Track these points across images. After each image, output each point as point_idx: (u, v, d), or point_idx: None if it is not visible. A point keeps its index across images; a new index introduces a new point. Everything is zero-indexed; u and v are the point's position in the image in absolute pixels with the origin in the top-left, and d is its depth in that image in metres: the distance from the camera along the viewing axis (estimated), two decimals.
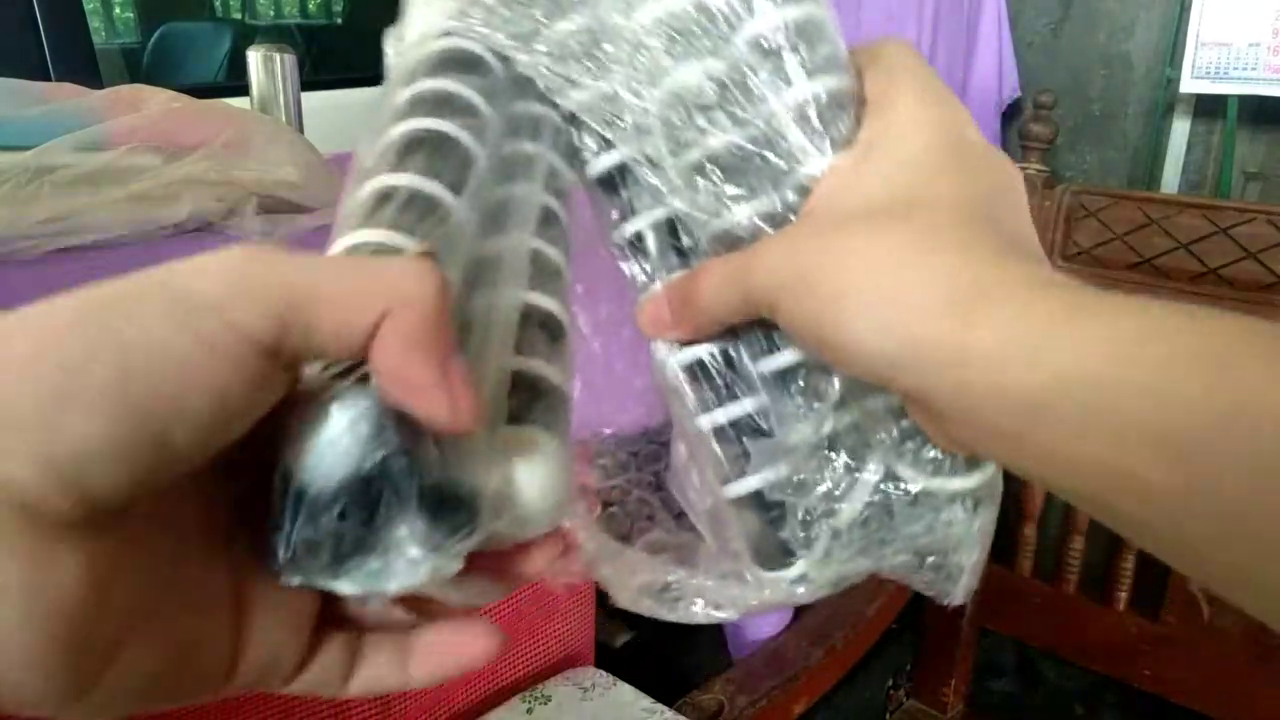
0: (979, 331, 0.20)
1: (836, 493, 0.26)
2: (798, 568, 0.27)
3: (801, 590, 0.27)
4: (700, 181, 0.26)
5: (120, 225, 0.67)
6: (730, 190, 0.26)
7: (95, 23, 2.19)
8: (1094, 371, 0.19)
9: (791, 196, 0.26)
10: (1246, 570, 0.18)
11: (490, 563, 0.22)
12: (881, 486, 0.26)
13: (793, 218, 0.26)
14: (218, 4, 2.48)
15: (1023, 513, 1.13)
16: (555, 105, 0.29)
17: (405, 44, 0.29)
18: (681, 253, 0.28)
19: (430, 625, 0.23)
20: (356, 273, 0.18)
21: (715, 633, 1.17)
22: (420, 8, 0.29)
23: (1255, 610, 0.19)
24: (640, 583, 0.28)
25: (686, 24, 0.26)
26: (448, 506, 0.19)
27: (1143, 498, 0.19)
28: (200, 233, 0.74)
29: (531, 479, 0.21)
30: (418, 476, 0.18)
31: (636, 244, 0.29)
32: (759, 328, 0.27)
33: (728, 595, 0.28)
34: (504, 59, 0.28)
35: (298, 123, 0.97)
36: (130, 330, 0.16)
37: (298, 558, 0.18)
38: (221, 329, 0.16)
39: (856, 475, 0.26)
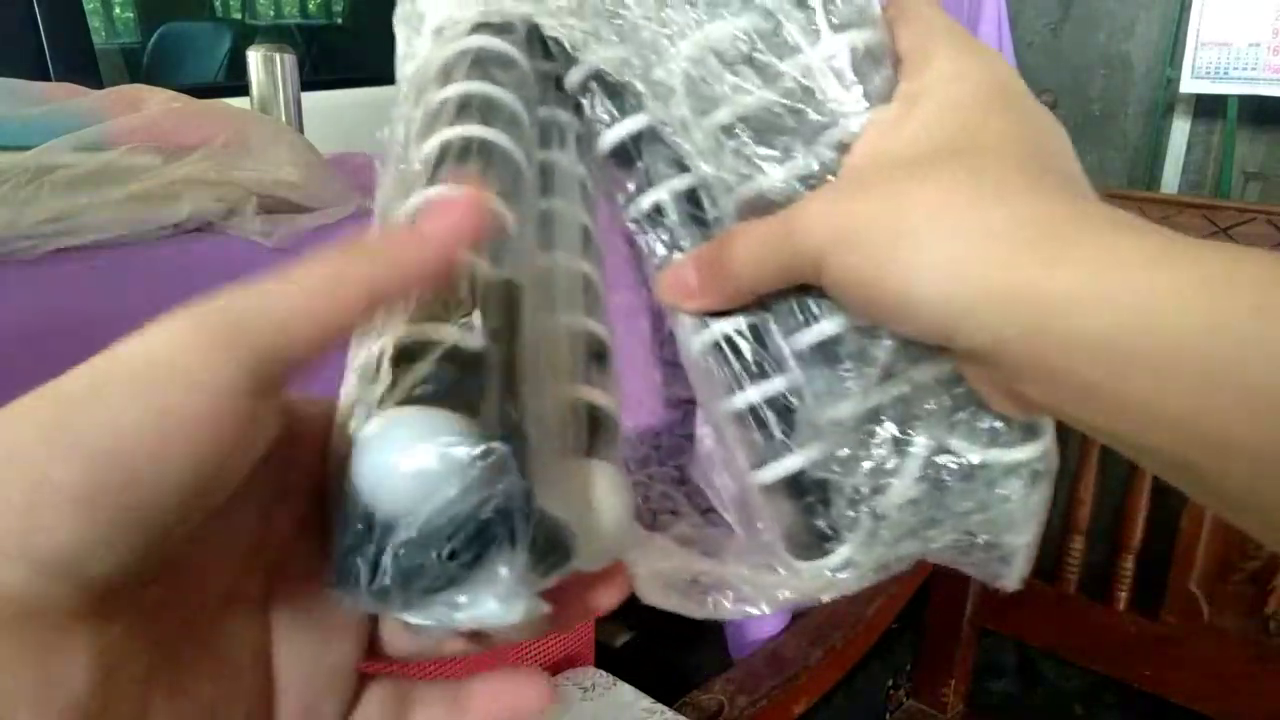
0: (1059, 271, 0.19)
1: (885, 469, 0.25)
2: (841, 554, 0.25)
3: (845, 577, 0.25)
4: (729, 143, 0.25)
5: (120, 225, 0.67)
6: (762, 151, 0.24)
7: (95, 23, 2.19)
8: (1181, 316, 0.18)
9: (829, 155, 0.24)
10: None
11: (552, 595, 0.21)
12: (933, 460, 0.24)
13: (831, 178, 0.24)
14: (218, 4, 2.48)
15: None
16: (577, 107, 0.28)
17: (428, 27, 0.27)
18: (704, 223, 0.27)
19: (480, 676, 0.22)
20: (304, 283, 0.18)
21: (715, 633, 1.17)
22: None
23: None
24: (668, 576, 0.27)
25: None
26: (548, 545, 0.18)
27: (1223, 454, 0.18)
28: (200, 233, 0.74)
29: (607, 512, 0.20)
30: (534, 518, 0.17)
31: (655, 215, 0.27)
32: (793, 299, 0.25)
33: (761, 586, 0.26)
34: (528, 37, 0.27)
35: (298, 123, 0.97)
36: (93, 426, 0.15)
37: (383, 588, 0.17)
38: (190, 394, 0.16)
39: (906, 449, 0.24)
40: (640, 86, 0.26)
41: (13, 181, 0.64)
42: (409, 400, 0.17)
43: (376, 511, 0.17)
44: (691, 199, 0.27)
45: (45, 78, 1.32)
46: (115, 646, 0.16)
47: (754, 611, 0.26)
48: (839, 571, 0.25)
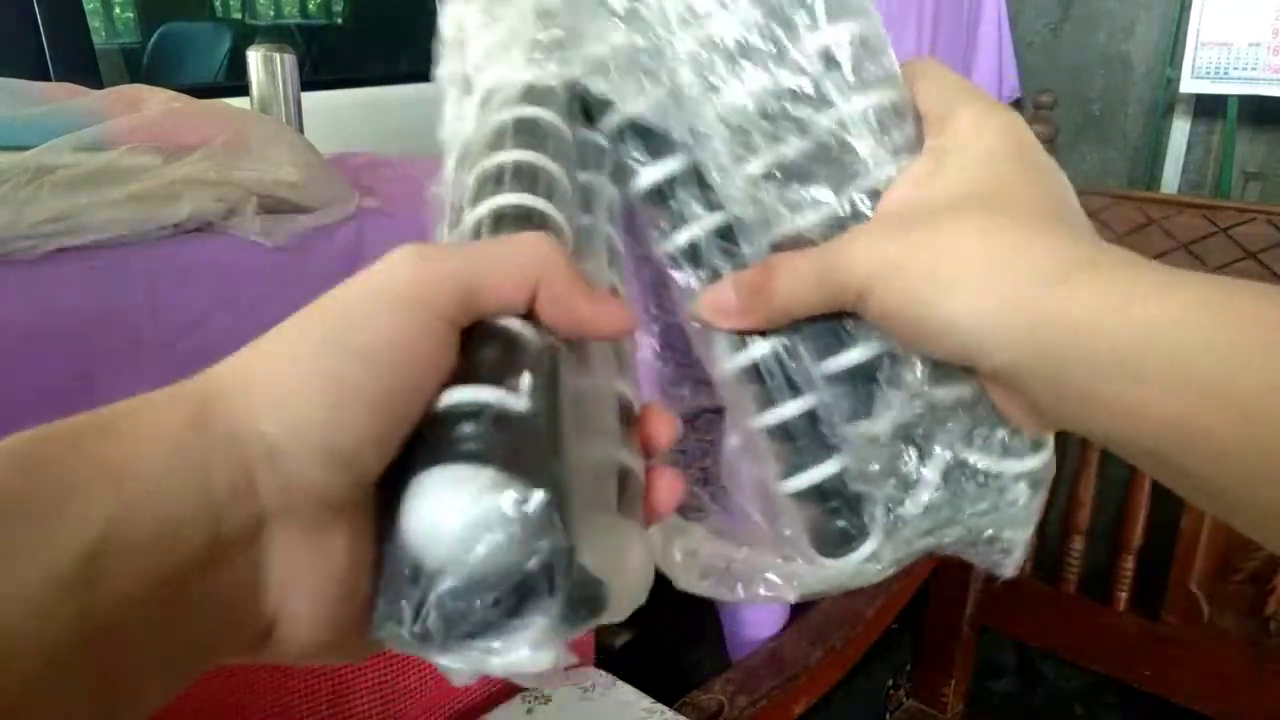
0: (1077, 299, 0.22)
1: (909, 480, 0.28)
2: (868, 547, 0.28)
3: (872, 568, 0.28)
4: (765, 188, 0.27)
5: (120, 225, 0.67)
6: (798, 196, 0.27)
7: (95, 23, 2.19)
8: (1176, 331, 0.21)
9: (861, 202, 0.27)
10: None
11: None
12: (952, 470, 0.27)
13: (864, 219, 0.27)
14: (218, 4, 2.48)
15: None
16: (611, 169, 0.30)
17: (477, 91, 0.29)
18: (737, 258, 0.29)
19: None
20: (503, 254, 0.22)
21: (715, 633, 1.17)
22: (491, 41, 0.30)
23: None
24: (704, 562, 0.29)
25: (754, 35, 0.27)
26: (583, 598, 0.19)
27: (1211, 455, 0.21)
28: (200, 233, 0.74)
29: (635, 569, 0.22)
30: (575, 572, 0.18)
31: (690, 252, 0.29)
32: (825, 326, 0.28)
33: (791, 575, 0.29)
34: (569, 97, 0.29)
35: (298, 123, 0.97)
36: (365, 335, 0.19)
37: (425, 632, 0.18)
38: (428, 317, 0.20)
39: (929, 461, 0.27)
40: (676, 133, 0.28)
41: (13, 181, 0.64)
42: (460, 457, 0.19)
43: (425, 560, 0.18)
44: (725, 236, 0.29)
45: (45, 78, 1.32)
46: (360, 533, 0.20)
47: (786, 598, 0.29)
48: (865, 564, 0.28)
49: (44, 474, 0.16)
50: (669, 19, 0.28)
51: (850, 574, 0.28)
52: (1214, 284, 0.22)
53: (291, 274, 0.78)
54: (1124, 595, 1.06)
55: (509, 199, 0.25)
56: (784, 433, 0.28)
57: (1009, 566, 0.30)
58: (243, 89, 0.97)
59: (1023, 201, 0.25)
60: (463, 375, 0.20)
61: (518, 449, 0.19)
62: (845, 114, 0.27)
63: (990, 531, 0.29)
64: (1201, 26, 1.30)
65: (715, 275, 0.29)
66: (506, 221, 0.24)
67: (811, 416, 0.28)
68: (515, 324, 0.22)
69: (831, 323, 0.27)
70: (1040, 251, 0.23)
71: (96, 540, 0.16)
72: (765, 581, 0.29)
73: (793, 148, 0.27)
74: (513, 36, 0.29)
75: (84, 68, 1.39)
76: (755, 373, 0.29)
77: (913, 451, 0.27)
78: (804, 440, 0.28)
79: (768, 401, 0.28)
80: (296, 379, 0.19)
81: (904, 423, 0.27)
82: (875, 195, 0.27)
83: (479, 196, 0.25)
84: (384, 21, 2.43)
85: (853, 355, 0.27)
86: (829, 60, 0.27)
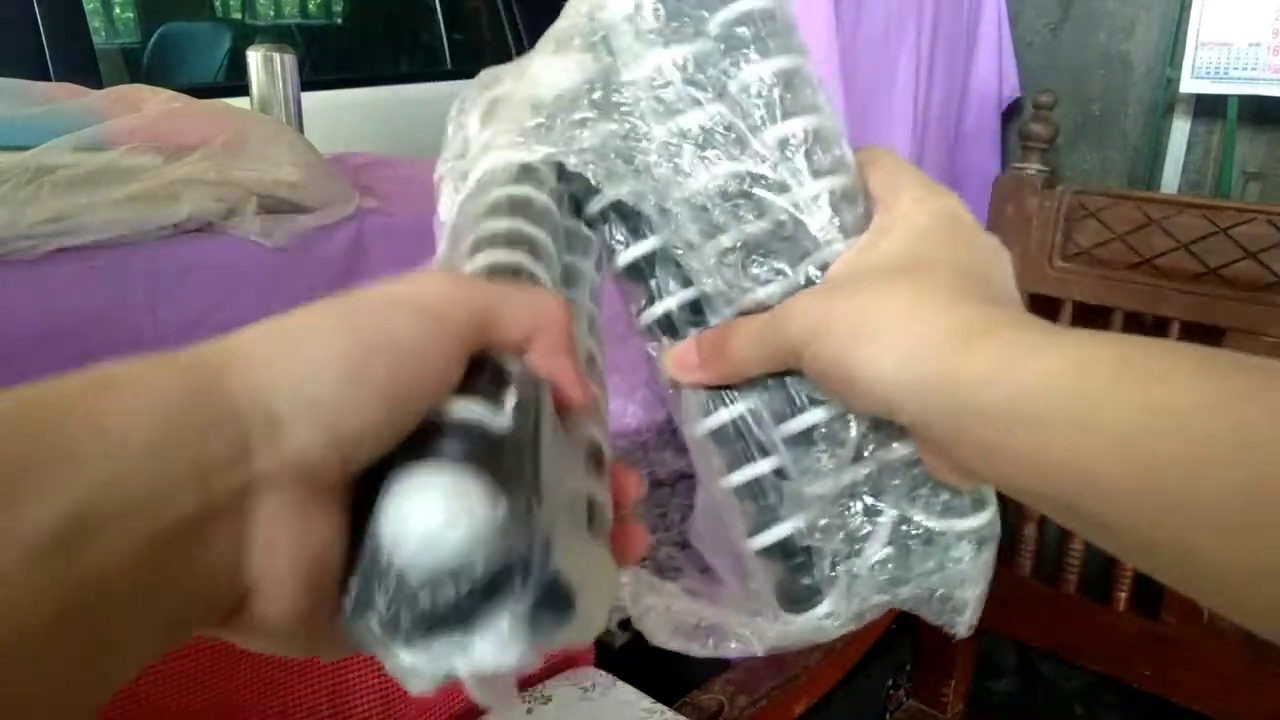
0: (972, 357, 0.25)
1: (858, 536, 0.30)
2: (825, 606, 0.30)
3: (830, 624, 0.31)
4: (729, 263, 0.30)
5: (120, 225, 0.67)
6: (758, 271, 0.30)
7: (95, 23, 2.19)
8: (1058, 383, 0.23)
9: (814, 273, 0.30)
10: (1185, 550, 0.22)
11: None
12: (899, 529, 0.30)
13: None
14: (218, 4, 2.48)
15: (1023, 513, 1.13)
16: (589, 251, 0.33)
17: (473, 175, 0.32)
18: (706, 327, 0.32)
19: None
20: (521, 299, 0.24)
21: None
22: (489, 136, 0.33)
23: (1192, 588, 0.23)
24: (676, 620, 0.32)
25: (718, 128, 0.30)
26: (551, 602, 0.19)
27: (1097, 493, 0.23)
28: (200, 233, 0.74)
29: (601, 589, 0.23)
30: (547, 574, 0.19)
31: (664, 323, 0.32)
32: (782, 392, 0.30)
33: (755, 631, 0.31)
34: (561, 190, 0.31)
35: (298, 123, 0.97)
36: (387, 331, 0.21)
37: (394, 622, 0.18)
38: (446, 332, 0.22)
39: (875, 520, 0.30)
40: (653, 214, 0.31)
41: (13, 181, 0.64)
42: (443, 459, 0.19)
43: (399, 551, 0.18)
44: (695, 308, 0.32)
45: (45, 78, 1.32)
46: (341, 519, 0.20)
47: (753, 652, 0.31)
48: (825, 620, 0.31)
49: (37, 436, 0.16)
50: (643, 111, 0.30)
51: (811, 629, 0.31)
52: (1090, 341, 0.24)
53: (291, 274, 0.78)
54: (1124, 595, 1.06)
55: (502, 256, 0.27)
56: (749, 492, 0.31)
57: (962, 625, 0.32)
58: (243, 89, 0.97)
59: (945, 272, 0.28)
60: (458, 393, 0.21)
61: (498, 458, 0.20)
62: (800, 197, 0.30)
63: (941, 590, 0.31)
64: (1201, 26, 1.30)
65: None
66: (498, 275, 0.27)
67: (775, 476, 0.31)
68: (511, 359, 0.23)
69: (789, 388, 0.30)
70: (949, 316, 0.26)
71: (79, 504, 0.16)
72: (735, 636, 0.31)
73: (754, 227, 0.30)
74: (509, 126, 0.32)
75: (84, 68, 1.39)
76: (723, 434, 0.31)
77: (861, 510, 0.30)
78: (767, 499, 0.31)
79: (734, 462, 0.31)
80: (313, 356, 0.20)
81: (852, 483, 0.30)
82: (826, 268, 0.30)
83: (474, 254, 0.28)
84: (384, 21, 2.43)
85: (806, 418, 0.30)
86: (786, 150, 0.30)
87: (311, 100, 1.01)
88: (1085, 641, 1.11)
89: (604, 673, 0.87)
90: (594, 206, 0.32)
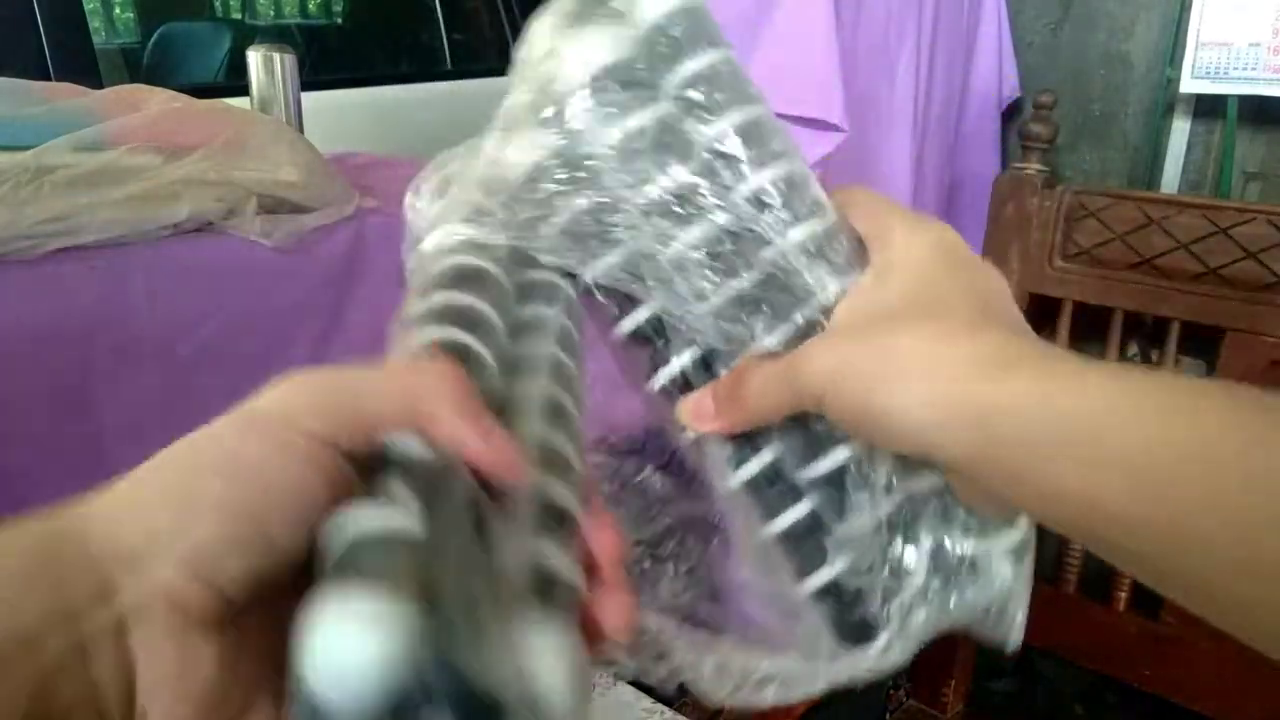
0: (1003, 387, 0.25)
1: (900, 568, 0.30)
2: (882, 639, 0.31)
3: (889, 656, 0.31)
4: (729, 319, 0.31)
5: (120, 225, 0.67)
6: (759, 323, 0.30)
7: (95, 23, 2.18)
8: (1068, 413, 0.24)
9: (814, 316, 0.30)
10: (1204, 584, 0.22)
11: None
12: (937, 556, 0.30)
13: (821, 329, 0.30)
14: (218, 4, 2.48)
15: None
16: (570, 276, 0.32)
17: (423, 248, 0.32)
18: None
19: None
20: (382, 381, 0.23)
21: None
22: (439, 210, 0.33)
23: (1217, 620, 0.23)
24: (736, 676, 0.32)
25: (692, 191, 0.30)
26: (476, 712, 0.18)
27: (1116, 524, 0.23)
28: (200, 233, 0.74)
29: (550, 674, 0.21)
30: (458, 688, 0.18)
31: (679, 383, 0.32)
32: (805, 434, 0.30)
33: (812, 674, 0.32)
34: (513, 256, 0.31)
35: (298, 123, 0.97)
36: (217, 450, 0.21)
37: None
38: (290, 434, 0.21)
39: (914, 550, 0.30)
40: (637, 284, 0.31)
41: (13, 181, 0.64)
42: (336, 579, 0.19)
43: (316, 695, 0.18)
44: (705, 364, 0.32)
45: (45, 78, 1.32)
46: (229, 649, 0.20)
47: (813, 694, 0.32)
48: (885, 654, 0.31)
49: None
50: (613, 184, 0.30)
51: (871, 664, 0.31)
52: (1118, 376, 0.24)
53: (291, 274, 0.78)
54: (1124, 595, 1.06)
55: (435, 332, 0.27)
56: (791, 537, 0.31)
57: (1013, 637, 0.32)
58: (243, 89, 0.97)
59: (958, 304, 0.28)
60: (357, 499, 0.21)
61: (400, 569, 0.19)
62: (785, 246, 0.30)
63: (990, 607, 0.31)
64: (1201, 26, 1.30)
65: None
66: (438, 351, 0.26)
67: (812, 520, 0.31)
68: (412, 444, 0.22)
69: (806, 434, 0.30)
70: (973, 349, 0.26)
71: None
72: (796, 680, 0.32)
73: (744, 281, 0.30)
74: (456, 205, 0.32)
75: (84, 68, 1.39)
76: (755, 484, 0.31)
77: (899, 541, 0.30)
78: (809, 543, 0.31)
79: (772, 510, 0.31)
80: (150, 491, 0.20)
81: (886, 516, 0.30)
82: (828, 310, 0.30)
83: (417, 332, 0.27)
84: (384, 21, 2.43)
85: (833, 458, 0.30)
86: (761, 203, 0.30)
87: (311, 100, 1.01)
88: (1085, 641, 1.11)
89: (604, 673, 0.87)
90: (576, 288, 0.32)
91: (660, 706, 0.83)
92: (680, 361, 0.32)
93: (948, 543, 0.30)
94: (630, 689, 0.85)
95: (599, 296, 0.32)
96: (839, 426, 0.29)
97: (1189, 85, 1.33)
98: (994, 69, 1.49)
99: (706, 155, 0.30)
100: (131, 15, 2.39)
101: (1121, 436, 0.23)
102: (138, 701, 0.19)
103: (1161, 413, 0.23)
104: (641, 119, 0.30)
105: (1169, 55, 1.42)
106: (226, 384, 0.75)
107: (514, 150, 0.31)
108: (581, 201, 0.31)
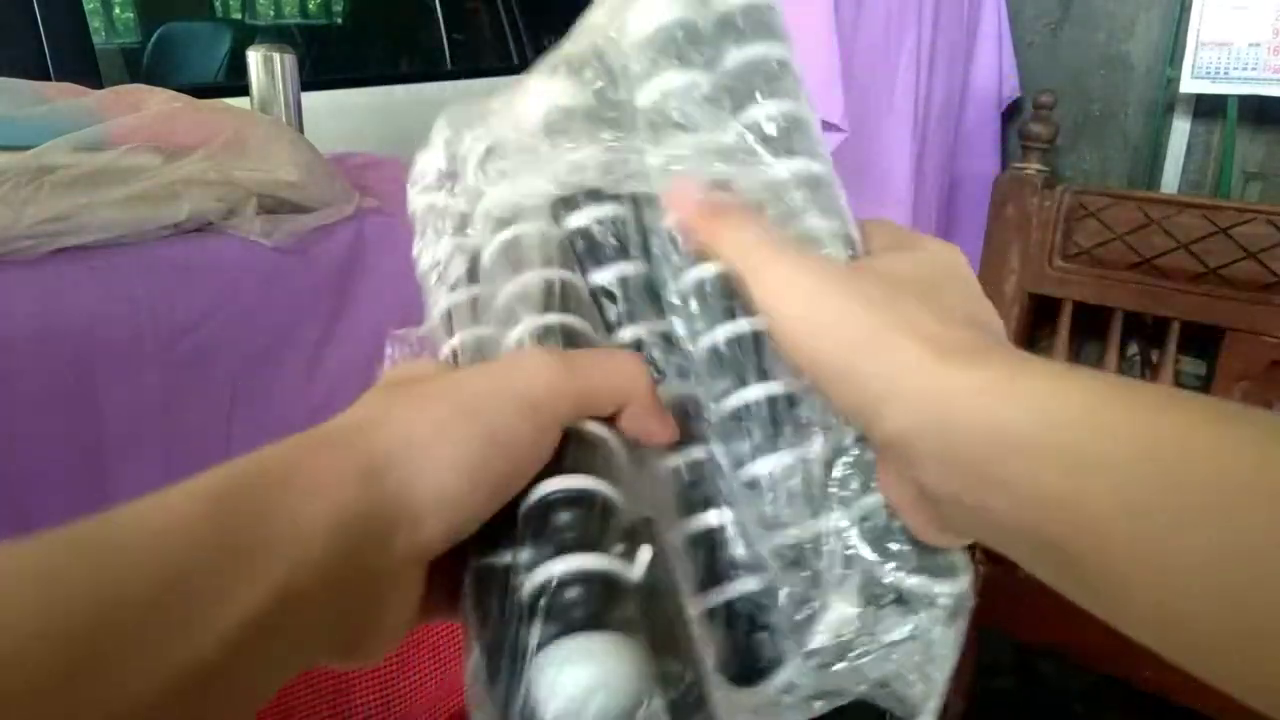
0: (964, 374, 0.24)
1: (822, 593, 0.27)
2: (781, 678, 0.27)
3: (786, 700, 0.27)
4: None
5: (120, 225, 0.67)
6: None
7: (95, 23, 2.18)
8: (1048, 409, 0.23)
9: None
10: (1164, 602, 0.21)
11: None
12: (868, 586, 0.27)
13: None
14: (218, 4, 2.48)
15: None
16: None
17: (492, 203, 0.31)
18: (673, 359, 0.30)
19: None
20: (610, 372, 0.26)
21: None
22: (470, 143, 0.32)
23: (1173, 646, 0.21)
24: None
25: (729, 149, 0.30)
26: None
27: (1094, 533, 0.21)
28: (200, 233, 0.74)
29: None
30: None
31: (637, 347, 0.30)
32: (741, 432, 0.28)
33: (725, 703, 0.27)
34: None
35: (298, 123, 0.97)
36: (507, 430, 0.23)
37: None
38: (552, 421, 0.24)
39: (843, 577, 0.27)
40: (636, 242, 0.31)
41: (13, 181, 0.64)
42: (583, 626, 0.21)
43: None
44: (668, 339, 0.29)
45: (45, 78, 1.32)
46: (428, 580, 0.24)
47: None
48: (783, 693, 0.27)
49: (245, 528, 0.20)
50: (644, 132, 0.30)
51: (766, 703, 0.27)
52: (1080, 373, 0.23)
53: (291, 274, 0.78)
54: None
55: (553, 319, 0.28)
56: (700, 545, 0.28)
57: (927, 710, 0.28)
58: (243, 89, 0.97)
59: (949, 296, 0.28)
60: (568, 543, 0.23)
61: (644, 623, 0.22)
62: (810, 226, 0.29)
63: (910, 668, 0.27)
64: (1201, 26, 1.30)
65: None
66: (551, 338, 0.27)
67: (725, 532, 0.27)
68: (604, 432, 0.25)
69: (748, 430, 0.28)
70: (945, 334, 0.25)
71: (280, 590, 0.20)
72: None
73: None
74: (534, 159, 0.30)
75: (84, 68, 1.39)
76: (680, 475, 0.28)
77: (826, 565, 0.27)
78: (719, 554, 0.27)
79: (687, 510, 0.28)
80: (448, 461, 0.23)
81: (815, 536, 0.27)
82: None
83: (527, 309, 0.28)
84: (384, 21, 2.43)
85: (764, 464, 0.27)
86: (802, 185, 0.29)
87: (311, 100, 1.01)
88: (1085, 641, 1.11)
89: None
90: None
91: None
92: (638, 329, 0.30)
93: (882, 573, 0.27)
94: None
95: (576, 242, 0.30)
96: (781, 346, 0.27)
97: (1189, 85, 1.33)
98: (994, 69, 1.49)
99: (746, 128, 0.30)
100: (131, 15, 2.39)
101: (1098, 438, 0.22)
102: (371, 625, 0.23)
103: (1127, 408, 0.22)
104: (693, 78, 0.30)
105: (1169, 55, 1.42)
106: (226, 384, 0.76)
107: (555, 90, 0.31)
108: (607, 140, 0.30)
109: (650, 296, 0.30)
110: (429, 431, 0.23)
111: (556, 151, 0.30)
